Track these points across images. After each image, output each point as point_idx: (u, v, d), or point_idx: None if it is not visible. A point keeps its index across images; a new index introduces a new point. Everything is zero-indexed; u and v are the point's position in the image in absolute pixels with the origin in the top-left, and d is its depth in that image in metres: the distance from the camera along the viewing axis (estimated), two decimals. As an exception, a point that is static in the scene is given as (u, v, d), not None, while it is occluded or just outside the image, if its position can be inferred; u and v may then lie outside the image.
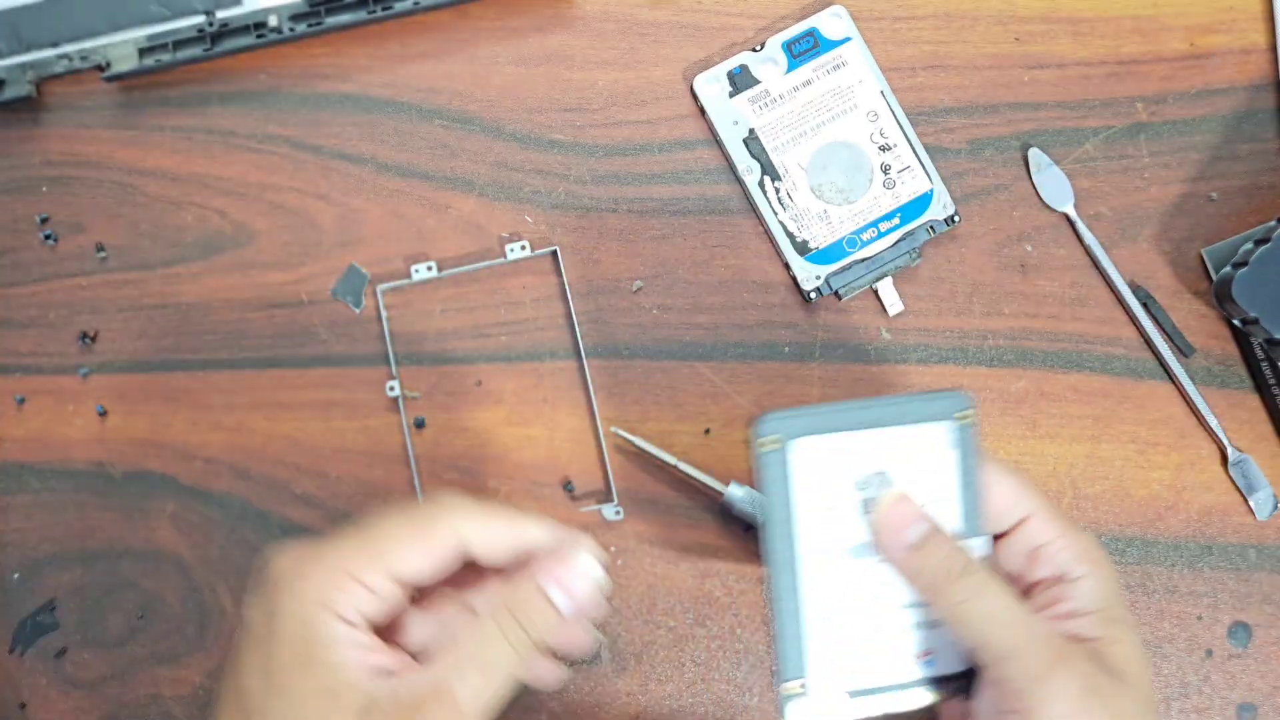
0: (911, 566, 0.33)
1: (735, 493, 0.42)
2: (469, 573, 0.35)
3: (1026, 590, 0.34)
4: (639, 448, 0.43)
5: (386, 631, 0.33)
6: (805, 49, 0.46)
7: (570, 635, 0.35)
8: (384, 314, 0.45)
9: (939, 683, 0.34)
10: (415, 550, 0.32)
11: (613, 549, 0.44)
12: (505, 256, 0.44)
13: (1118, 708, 0.31)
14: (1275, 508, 0.44)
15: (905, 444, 0.34)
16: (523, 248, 0.45)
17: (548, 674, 0.36)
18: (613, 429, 0.43)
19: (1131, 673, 0.32)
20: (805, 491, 0.33)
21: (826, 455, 0.34)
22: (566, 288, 0.45)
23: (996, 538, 0.35)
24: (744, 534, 0.44)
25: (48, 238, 0.47)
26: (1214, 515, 0.44)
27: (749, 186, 0.45)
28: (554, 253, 0.45)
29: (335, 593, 0.31)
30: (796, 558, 0.33)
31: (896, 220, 0.45)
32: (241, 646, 0.32)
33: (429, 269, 0.45)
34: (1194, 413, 0.44)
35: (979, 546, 0.34)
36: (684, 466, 0.42)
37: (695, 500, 0.44)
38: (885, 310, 0.45)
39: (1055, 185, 0.45)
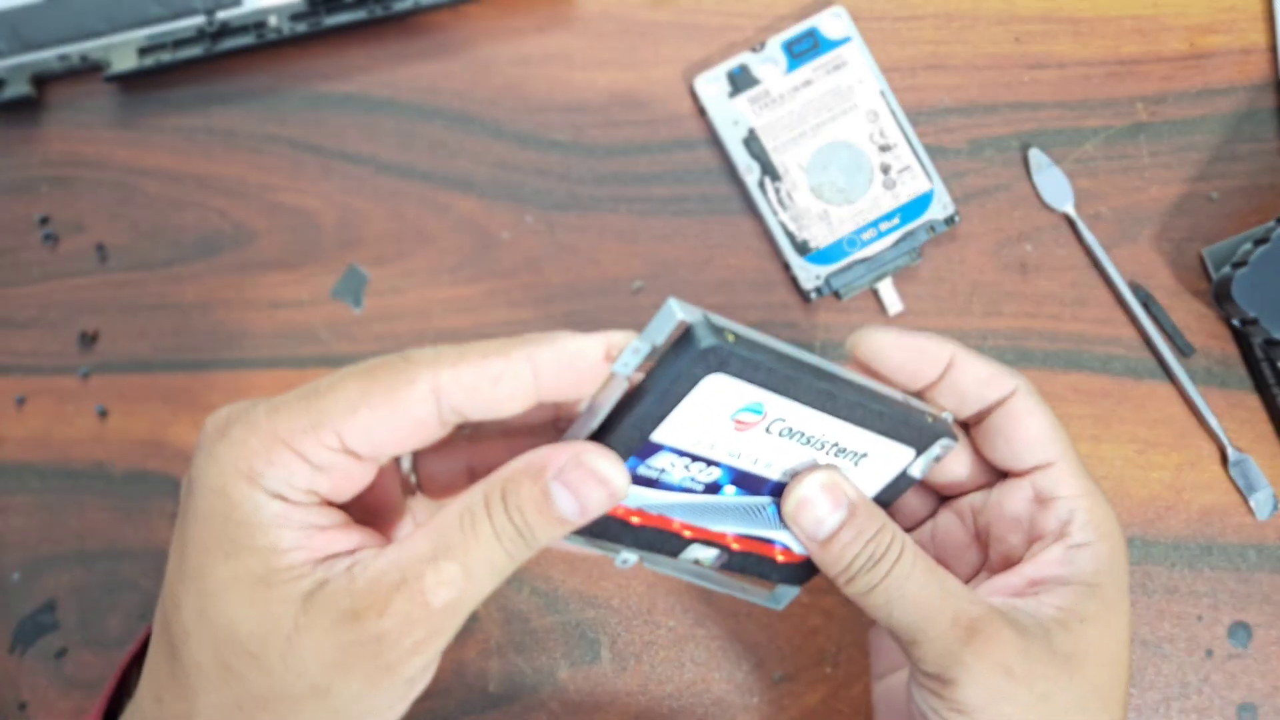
0: (823, 558, 0.29)
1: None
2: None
3: (1029, 540, 0.31)
4: None
5: (383, 523, 0.28)
6: (805, 49, 0.46)
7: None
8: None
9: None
10: (371, 413, 0.25)
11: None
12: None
13: (1048, 690, 0.28)
14: (1275, 508, 0.44)
15: (847, 438, 0.29)
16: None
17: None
18: None
19: (1088, 657, 0.29)
20: (686, 423, 0.26)
21: (738, 401, 0.27)
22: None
23: (1009, 475, 0.32)
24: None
25: (48, 238, 0.47)
26: (1214, 515, 0.44)
27: (749, 186, 0.45)
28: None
29: (261, 463, 0.24)
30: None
31: (896, 220, 0.45)
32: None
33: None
34: (1194, 413, 0.44)
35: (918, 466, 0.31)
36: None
37: (695, 500, 0.44)
38: (885, 310, 0.45)
39: (1055, 185, 0.45)
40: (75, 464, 0.46)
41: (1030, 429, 0.31)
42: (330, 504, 0.26)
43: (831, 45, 0.46)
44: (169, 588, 0.26)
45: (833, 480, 0.29)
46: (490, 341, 0.26)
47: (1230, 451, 0.44)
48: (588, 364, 0.26)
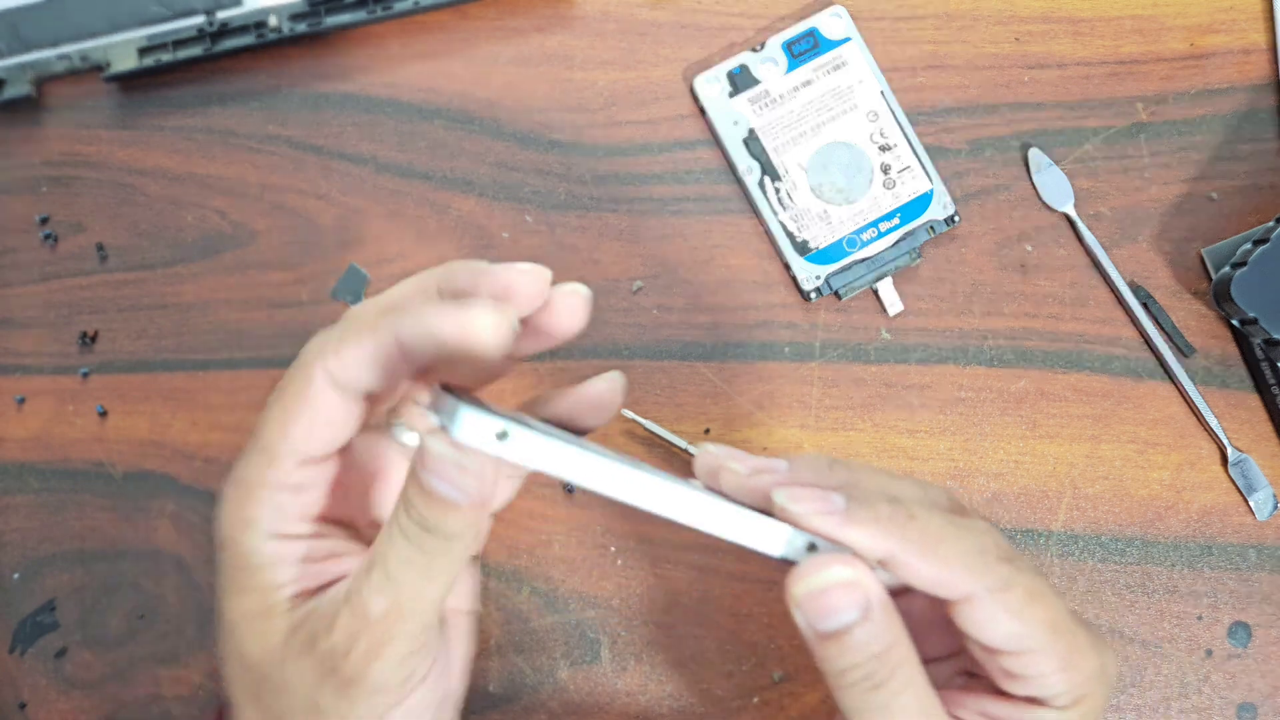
0: (825, 653, 0.27)
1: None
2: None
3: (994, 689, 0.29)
4: (648, 430, 0.43)
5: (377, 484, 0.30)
6: (805, 49, 0.46)
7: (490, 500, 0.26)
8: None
9: None
10: (298, 426, 0.27)
11: (613, 549, 0.44)
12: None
13: None
14: (1275, 508, 0.44)
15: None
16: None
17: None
18: (623, 411, 0.44)
19: None
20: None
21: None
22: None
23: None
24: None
25: (48, 238, 0.47)
26: (1214, 515, 0.44)
27: (749, 186, 0.45)
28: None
29: (252, 511, 0.28)
30: None
31: (896, 220, 0.45)
32: None
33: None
34: (1194, 413, 0.44)
35: None
36: (694, 449, 0.42)
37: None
38: (885, 310, 0.45)
39: (1055, 185, 0.45)
40: (75, 464, 0.46)
41: (997, 632, 0.27)
42: (331, 523, 0.29)
43: (831, 45, 0.46)
44: (218, 633, 0.29)
45: (856, 576, 0.26)
46: (363, 314, 0.28)
47: (1230, 451, 0.44)
48: (448, 337, 0.26)
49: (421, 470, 0.25)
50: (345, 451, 0.30)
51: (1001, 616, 0.27)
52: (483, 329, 0.26)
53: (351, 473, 0.30)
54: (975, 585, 0.27)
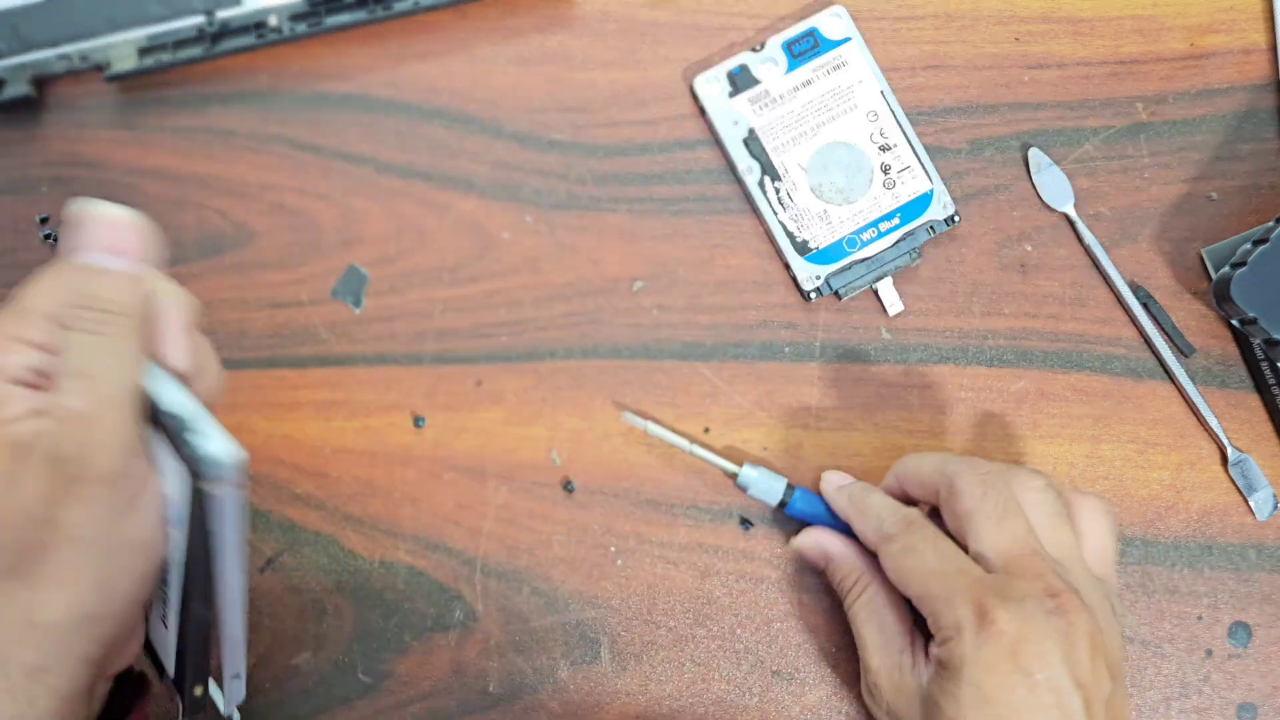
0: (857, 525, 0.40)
1: (749, 475, 0.42)
2: None
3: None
4: (650, 434, 0.43)
5: None
6: (805, 49, 0.46)
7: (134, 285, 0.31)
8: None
9: None
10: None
11: (613, 549, 0.44)
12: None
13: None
14: (1275, 508, 0.44)
15: None
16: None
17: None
18: (623, 415, 0.43)
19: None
20: None
21: None
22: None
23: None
24: (744, 532, 0.44)
25: (47, 237, 0.47)
26: (1214, 515, 0.44)
27: (749, 186, 0.45)
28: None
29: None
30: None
31: (896, 220, 0.45)
32: None
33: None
34: (1194, 413, 0.44)
35: None
36: (697, 450, 0.43)
37: (696, 499, 0.44)
38: (885, 310, 0.45)
39: (1055, 185, 0.45)
40: (75, 464, 0.46)
41: (886, 572, 0.38)
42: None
43: (831, 45, 0.46)
44: None
45: (811, 541, 0.42)
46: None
47: (1230, 451, 0.44)
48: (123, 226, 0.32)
49: (83, 250, 0.30)
50: None
51: (886, 562, 0.38)
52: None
53: None
54: (879, 540, 0.38)
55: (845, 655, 0.43)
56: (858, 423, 0.45)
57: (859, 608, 0.40)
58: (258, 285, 0.46)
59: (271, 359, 0.46)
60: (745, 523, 0.44)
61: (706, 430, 0.44)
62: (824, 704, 0.43)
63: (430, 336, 0.46)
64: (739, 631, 0.43)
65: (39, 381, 0.29)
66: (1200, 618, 0.43)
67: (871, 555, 0.40)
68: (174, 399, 0.30)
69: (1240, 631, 0.43)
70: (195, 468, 0.28)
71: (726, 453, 0.44)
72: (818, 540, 0.42)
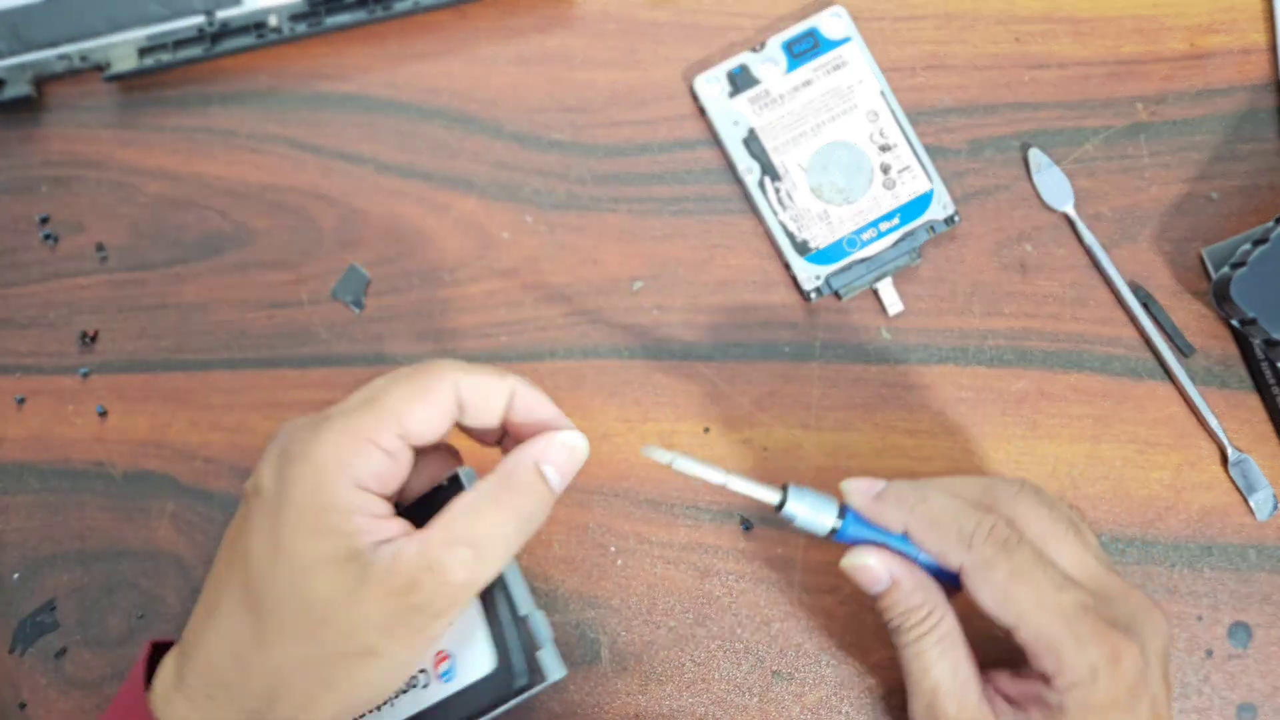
0: (878, 608, 0.36)
1: (797, 509, 0.35)
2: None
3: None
4: (677, 470, 0.34)
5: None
6: (805, 49, 0.46)
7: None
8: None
9: None
10: (420, 407, 0.32)
11: (613, 549, 0.44)
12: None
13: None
14: (1275, 508, 0.44)
15: None
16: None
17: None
18: (642, 451, 0.34)
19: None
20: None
21: None
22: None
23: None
24: (744, 532, 0.44)
25: (48, 238, 0.47)
26: (1214, 515, 0.44)
27: (749, 186, 0.45)
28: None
29: (352, 457, 0.30)
30: None
31: (896, 220, 0.45)
32: (249, 512, 0.31)
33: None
34: (1194, 413, 0.44)
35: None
36: (733, 483, 0.34)
37: (696, 499, 0.44)
38: (885, 310, 0.45)
39: (1055, 185, 0.45)
40: (75, 464, 0.46)
41: (983, 601, 0.34)
42: (383, 496, 0.32)
43: (831, 45, 0.46)
44: (259, 566, 0.30)
45: (864, 561, 0.35)
46: (490, 368, 0.33)
47: (1230, 451, 0.44)
48: (579, 460, 0.33)
49: (555, 473, 0.32)
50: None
51: (985, 588, 0.33)
52: (583, 451, 0.34)
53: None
54: (965, 558, 0.34)
55: (845, 655, 0.43)
56: (858, 423, 0.45)
57: (928, 645, 0.34)
58: (258, 285, 0.46)
59: (271, 359, 0.46)
60: (745, 523, 0.44)
61: (706, 430, 0.44)
62: (824, 704, 0.43)
63: (430, 336, 0.46)
64: (739, 631, 0.43)
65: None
66: (1200, 618, 0.43)
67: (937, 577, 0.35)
68: (526, 599, 0.34)
69: (1240, 631, 0.43)
70: (524, 666, 0.33)
71: (724, 458, 0.44)
72: (883, 561, 0.35)
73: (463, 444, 0.37)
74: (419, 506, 0.34)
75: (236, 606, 0.31)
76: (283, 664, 0.30)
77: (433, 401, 0.32)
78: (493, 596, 0.33)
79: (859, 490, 0.36)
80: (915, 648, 0.35)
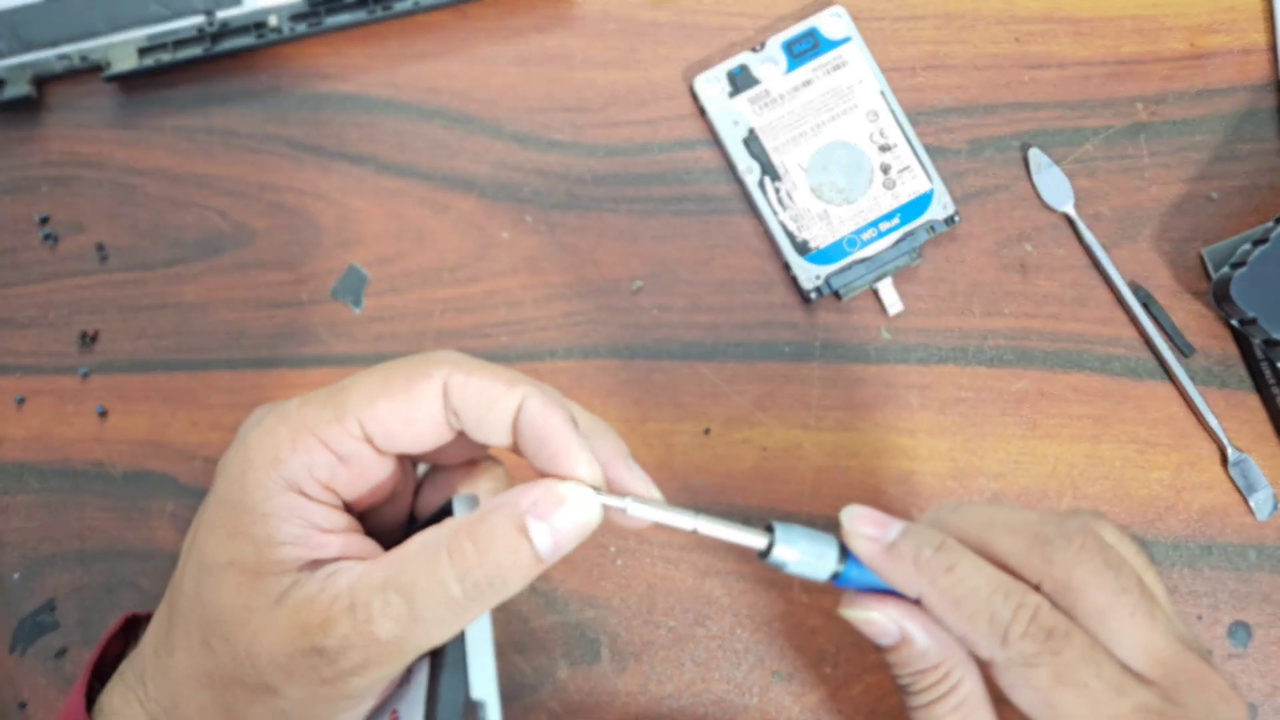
0: (886, 661, 0.31)
1: (785, 554, 0.30)
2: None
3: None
4: (631, 516, 0.29)
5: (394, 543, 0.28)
6: (805, 49, 0.46)
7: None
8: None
9: None
10: (388, 405, 0.25)
11: (613, 549, 0.44)
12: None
13: None
14: (1275, 508, 0.44)
15: None
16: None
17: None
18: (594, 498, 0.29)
19: None
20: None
21: None
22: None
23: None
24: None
25: (48, 238, 0.47)
26: (1214, 515, 0.44)
27: (749, 186, 0.45)
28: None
29: (289, 452, 0.25)
30: None
31: (896, 220, 0.45)
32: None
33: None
34: (1194, 413, 0.44)
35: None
36: (702, 526, 0.30)
37: (696, 499, 0.44)
38: (885, 310, 0.45)
39: (1055, 185, 0.45)
40: (75, 464, 0.46)
41: (1020, 701, 0.28)
42: (345, 509, 0.27)
43: (831, 45, 0.46)
44: (181, 558, 0.27)
45: (870, 616, 0.30)
46: (499, 367, 0.27)
47: (1230, 451, 0.44)
48: (584, 525, 0.27)
49: (544, 534, 0.25)
50: (399, 491, 0.29)
51: (1023, 690, 0.27)
52: (590, 514, 0.27)
53: (371, 473, 0.28)
54: (996, 653, 0.28)
55: (845, 656, 0.43)
56: (858, 423, 0.45)
57: (942, 712, 0.29)
58: (258, 285, 0.46)
59: (271, 359, 0.46)
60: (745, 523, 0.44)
61: (707, 431, 0.44)
62: (824, 704, 0.42)
63: (430, 336, 0.46)
64: (739, 631, 0.43)
65: None
66: (1200, 618, 0.43)
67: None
68: (487, 681, 0.26)
69: (1240, 631, 0.43)
70: None
71: (725, 458, 0.44)
72: (892, 615, 0.30)
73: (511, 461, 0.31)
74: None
75: (164, 601, 0.28)
76: (185, 674, 0.26)
77: (409, 402, 0.26)
78: (442, 665, 0.26)
79: (866, 535, 0.30)
80: (926, 714, 0.29)
